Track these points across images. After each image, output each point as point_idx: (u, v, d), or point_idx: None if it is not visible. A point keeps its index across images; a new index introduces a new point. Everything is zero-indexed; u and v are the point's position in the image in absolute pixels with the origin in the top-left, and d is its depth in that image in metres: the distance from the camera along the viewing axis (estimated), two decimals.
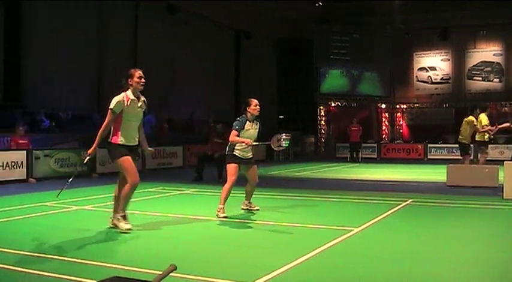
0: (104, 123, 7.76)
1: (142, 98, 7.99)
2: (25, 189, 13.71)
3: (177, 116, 27.41)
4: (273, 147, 9.54)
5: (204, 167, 16.62)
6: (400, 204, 10.88)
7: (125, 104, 7.70)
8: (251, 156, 9.62)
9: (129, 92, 7.85)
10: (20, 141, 16.43)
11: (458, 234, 7.99)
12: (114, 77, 25.05)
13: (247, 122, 9.45)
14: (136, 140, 8.03)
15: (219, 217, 9.15)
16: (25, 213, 9.67)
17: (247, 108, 9.49)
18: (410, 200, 11.46)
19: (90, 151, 7.91)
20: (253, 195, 10.00)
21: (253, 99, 9.58)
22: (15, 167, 15.60)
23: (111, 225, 7.97)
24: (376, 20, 34.03)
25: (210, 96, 30.42)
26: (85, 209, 10.40)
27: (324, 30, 33.94)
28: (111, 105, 7.67)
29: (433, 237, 7.68)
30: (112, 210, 8.18)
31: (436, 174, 17.91)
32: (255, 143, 9.48)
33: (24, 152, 16.00)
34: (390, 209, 10.15)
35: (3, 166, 15.26)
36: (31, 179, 15.90)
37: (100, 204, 10.98)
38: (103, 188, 14.25)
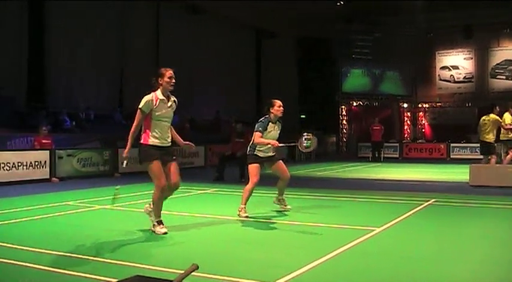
0: (134, 123, 7.69)
1: (173, 98, 7.89)
2: (48, 189, 13.82)
3: (199, 116, 27.48)
4: (300, 148, 9.51)
5: (225, 167, 16.64)
6: (422, 204, 10.80)
7: (154, 104, 7.64)
8: (273, 154, 9.57)
9: (158, 92, 7.72)
10: (44, 141, 16.57)
11: (481, 234, 7.91)
12: (136, 77, 25.41)
13: (270, 123, 9.45)
14: (169, 140, 7.91)
15: (240, 217, 9.16)
16: (48, 213, 9.75)
17: (271, 109, 9.47)
18: (433, 200, 11.37)
19: (125, 154, 7.90)
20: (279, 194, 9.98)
21: (276, 100, 9.55)
22: (38, 166, 15.74)
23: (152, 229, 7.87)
24: (398, 19, 33.85)
25: (231, 96, 30.47)
26: (107, 208, 10.44)
27: (345, 30, 33.83)
28: (140, 105, 7.61)
29: (455, 238, 7.61)
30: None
31: (459, 173, 17.76)
32: (281, 145, 9.45)
33: (48, 151, 16.14)
34: (412, 209, 10.08)
35: (27, 166, 15.40)
36: (54, 179, 16.03)
37: (122, 203, 11.02)
38: (125, 187, 14.32)
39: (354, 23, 33.84)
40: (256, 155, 9.44)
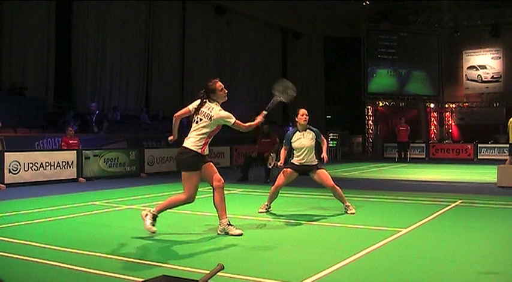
0: (246, 125, 7.73)
1: None
2: (75, 189, 13.94)
3: None
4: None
5: (250, 168, 16.64)
6: (449, 205, 10.71)
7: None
8: (312, 162, 9.57)
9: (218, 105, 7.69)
10: (71, 142, 16.72)
11: (509, 237, 7.82)
12: (162, 77, 25.54)
13: (297, 132, 9.57)
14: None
15: (258, 212, 9.64)
16: (74, 212, 9.84)
17: (296, 118, 9.64)
18: (460, 201, 11.27)
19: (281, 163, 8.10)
20: (344, 198, 9.78)
21: (300, 109, 9.65)
22: (66, 166, 15.89)
23: (219, 232, 7.76)
24: (424, 18, 33.66)
25: (257, 96, 30.49)
26: (133, 208, 10.51)
27: (371, 29, 33.68)
28: (231, 115, 7.58)
29: (482, 239, 7.53)
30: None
31: (486, 174, 17.58)
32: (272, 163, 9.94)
33: (75, 152, 16.28)
34: (439, 210, 9.99)
35: (54, 166, 15.56)
36: (81, 179, 16.17)
37: (148, 203, 11.09)
38: (151, 187, 14.42)
39: (380, 23, 33.68)
40: (292, 163, 9.59)
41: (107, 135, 19.85)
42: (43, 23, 20.83)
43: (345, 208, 9.70)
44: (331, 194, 9.88)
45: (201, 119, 7.53)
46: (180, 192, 7.64)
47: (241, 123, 7.64)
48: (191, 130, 7.60)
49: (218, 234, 7.68)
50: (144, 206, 10.67)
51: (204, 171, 7.59)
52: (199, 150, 7.44)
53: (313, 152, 9.62)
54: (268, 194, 9.78)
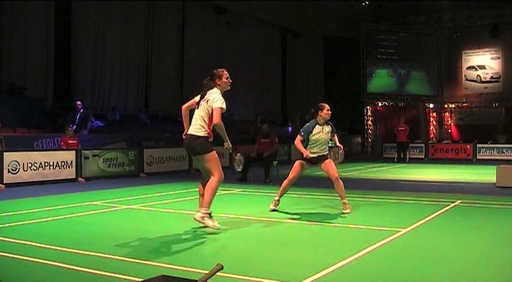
0: (220, 121, 7.84)
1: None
2: (74, 189, 13.94)
3: (224, 116, 27.43)
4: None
5: (249, 168, 16.62)
6: (448, 205, 10.71)
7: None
8: (323, 153, 9.80)
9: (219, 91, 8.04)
10: (70, 142, 16.72)
11: (508, 236, 7.83)
12: (161, 77, 25.50)
13: (317, 125, 9.74)
14: None
15: (270, 211, 9.77)
16: (73, 212, 9.83)
17: (320, 113, 9.74)
18: (459, 201, 11.27)
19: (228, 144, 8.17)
20: (343, 194, 9.78)
21: (325, 104, 9.88)
22: (65, 166, 15.88)
23: (197, 220, 7.85)
24: (423, 18, 33.66)
25: (256, 96, 30.48)
26: (132, 208, 10.51)
27: (371, 29, 33.70)
28: (224, 105, 7.86)
29: (481, 240, 7.53)
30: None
31: (486, 175, 17.58)
32: (312, 155, 9.61)
33: (74, 152, 16.27)
34: (438, 210, 10.00)
35: (53, 166, 15.55)
36: (80, 179, 16.16)
37: (147, 203, 11.10)
38: (150, 187, 14.41)
39: (380, 23, 33.68)
40: (303, 154, 9.72)
41: (106, 135, 19.82)
42: (43, 23, 20.80)
43: (342, 205, 9.74)
44: (331, 194, 9.90)
45: (201, 104, 7.95)
46: (210, 178, 7.84)
47: (219, 115, 7.80)
48: (193, 116, 8.02)
49: (195, 219, 7.81)
50: (143, 206, 10.68)
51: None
52: (207, 134, 7.85)
53: (327, 143, 9.91)
54: (280, 187, 9.98)
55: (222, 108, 7.81)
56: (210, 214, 7.80)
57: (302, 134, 9.73)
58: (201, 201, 8.08)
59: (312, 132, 9.67)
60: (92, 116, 20.40)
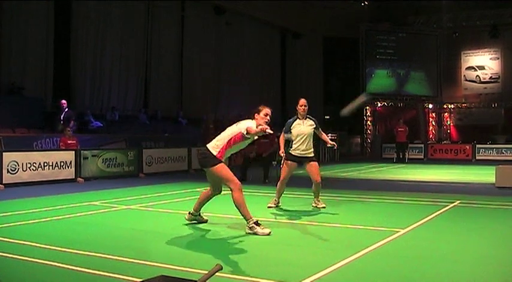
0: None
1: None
2: (73, 189, 13.93)
3: (225, 116, 27.51)
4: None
5: (248, 168, 16.62)
6: (447, 205, 10.71)
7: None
8: (310, 155, 10.04)
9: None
10: (69, 142, 16.71)
11: (507, 236, 7.83)
12: (161, 78, 25.49)
13: (297, 119, 10.07)
14: None
15: (268, 207, 10.09)
16: (73, 212, 9.82)
17: (296, 107, 10.16)
18: (458, 202, 11.27)
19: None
20: (318, 195, 10.32)
21: (300, 99, 10.27)
22: (64, 166, 15.87)
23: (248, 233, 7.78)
24: (423, 18, 33.66)
25: (256, 96, 30.46)
26: (131, 208, 10.51)
27: (370, 30, 33.71)
28: (250, 130, 7.78)
29: (480, 240, 7.53)
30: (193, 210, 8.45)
31: (485, 175, 17.59)
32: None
33: (73, 152, 16.26)
34: (437, 211, 10.00)
35: (52, 166, 15.55)
36: (79, 179, 16.16)
37: (146, 204, 11.09)
38: (149, 187, 14.41)
39: (379, 23, 33.69)
40: (290, 153, 10.01)
41: (106, 135, 19.81)
42: (42, 23, 20.78)
43: (315, 202, 10.24)
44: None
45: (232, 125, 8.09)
46: (230, 189, 7.78)
47: (251, 131, 7.75)
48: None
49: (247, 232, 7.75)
50: (142, 206, 10.68)
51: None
52: (217, 153, 7.77)
53: (312, 141, 10.06)
54: (276, 189, 10.25)
55: (247, 130, 7.73)
56: (256, 222, 7.73)
57: (284, 129, 10.08)
58: (196, 203, 8.27)
59: (291, 126, 9.99)
60: (74, 117, 19.75)
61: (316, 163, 10.08)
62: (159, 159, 19.04)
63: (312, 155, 10.07)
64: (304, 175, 10.36)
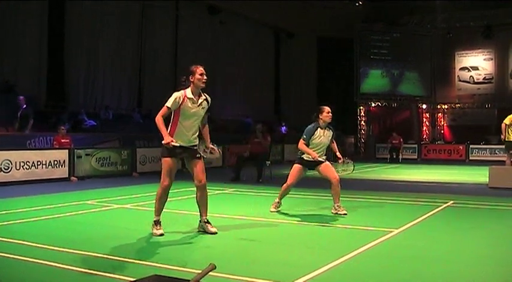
0: (159, 114, 7.67)
1: (204, 97, 7.84)
2: (67, 188, 13.90)
3: (219, 116, 27.46)
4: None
5: (242, 168, 16.62)
6: (440, 205, 10.73)
7: (181, 102, 7.60)
8: (321, 159, 9.62)
9: (188, 90, 7.66)
10: (63, 141, 16.67)
11: (500, 236, 7.84)
12: (154, 77, 25.43)
13: (319, 129, 9.60)
14: (193, 140, 7.88)
15: (270, 211, 9.76)
16: (66, 212, 9.80)
17: (320, 116, 9.63)
18: (452, 202, 11.29)
19: (166, 141, 7.64)
20: (338, 197, 9.71)
21: (325, 107, 9.76)
22: (57, 165, 15.83)
23: (200, 230, 7.80)
24: (417, 19, 33.70)
25: (249, 96, 30.47)
26: (125, 207, 10.49)
27: (364, 30, 33.75)
28: (168, 103, 7.61)
29: (473, 240, 7.55)
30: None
31: (478, 175, 17.63)
32: (319, 159, 9.50)
33: (67, 150, 16.23)
34: (431, 211, 10.02)
35: (46, 165, 15.51)
36: (73, 178, 16.12)
37: (140, 203, 11.08)
38: (143, 186, 14.38)
39: (373, 23, 33.71)
40: (301, 158, 9.66)
41: (99, 134, 19.76)
42: (36, 22, 20.73)
43: (335, 208, 9.62)
44: (324, 195, 9.88)
45: None
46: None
47: (161, 113, 7.74)
48: None
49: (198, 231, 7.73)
50: (135, 205, 10.67)
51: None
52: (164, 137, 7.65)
53: (326, 149, 9.77)
54: (280, 191, 9.91)
55: (167, 107, 7.62)
56: (156, 221, 7.64)
57: (304, 137, 9.55)
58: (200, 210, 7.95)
59: (314, 135, 9.56)
60: (33, 115, 18.89)
61: (329, 163, 9.72)
62: (152, 159, 18.99)
63: (324, 158, 9.71)
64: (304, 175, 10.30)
